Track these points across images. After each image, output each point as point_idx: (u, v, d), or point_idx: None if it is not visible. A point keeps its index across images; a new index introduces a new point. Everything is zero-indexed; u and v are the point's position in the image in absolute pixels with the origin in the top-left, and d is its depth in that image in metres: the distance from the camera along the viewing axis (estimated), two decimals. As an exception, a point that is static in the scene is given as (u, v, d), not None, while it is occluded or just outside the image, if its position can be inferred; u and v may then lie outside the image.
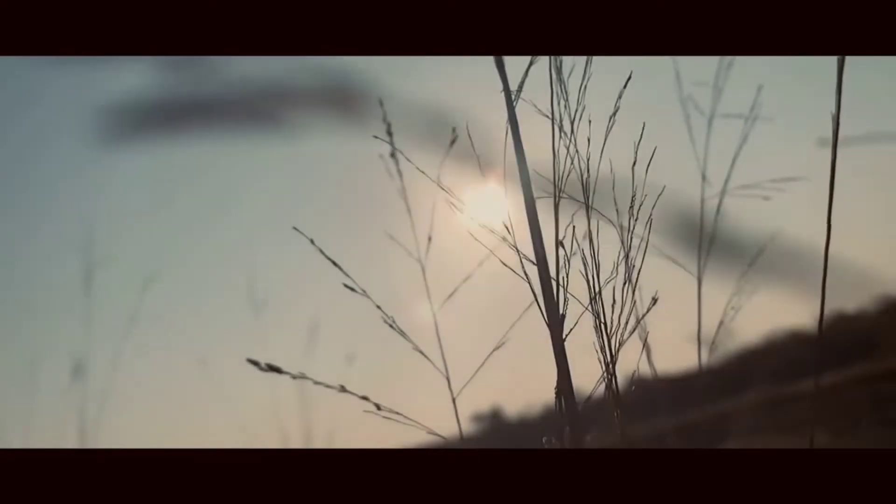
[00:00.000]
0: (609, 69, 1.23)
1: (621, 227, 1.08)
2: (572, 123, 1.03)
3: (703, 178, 1.34)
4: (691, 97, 1.44)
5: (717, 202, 1.30)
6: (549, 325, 0.91)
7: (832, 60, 1.00)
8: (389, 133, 1.20)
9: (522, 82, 1.01)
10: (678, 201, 1.39)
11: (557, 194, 0.95)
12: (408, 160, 1.08)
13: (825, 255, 0.85)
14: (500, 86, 1.02)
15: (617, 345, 0.90)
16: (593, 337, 0.96)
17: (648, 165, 0.92)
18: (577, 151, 0.98)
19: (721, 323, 1.22)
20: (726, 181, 1.30)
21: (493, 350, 1.08)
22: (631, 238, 0.93)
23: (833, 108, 0.93)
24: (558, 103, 1.03)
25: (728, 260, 1.30)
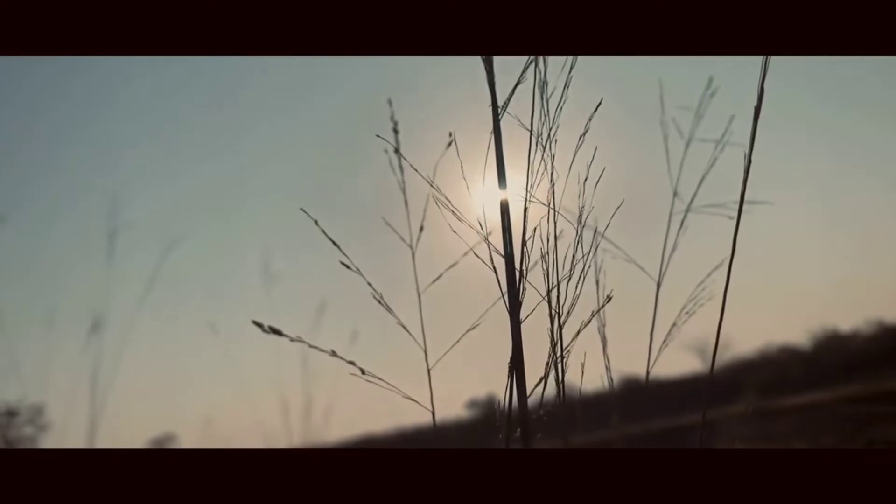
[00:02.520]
0: (597, 89, 1.39)
1: (594, 231, 1.24)
2: (549, 134, 1.18)
3: (675, 193, 1.49)
4: (674, 120, 1.59)
5: (682, 217, 1.44)
6: (508, 310, 1.06)
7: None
8: (395, 131, 1.35)
9: (508, 99, 1.16)
10: (647, 213, 1.54)
11: (528, 199, 1.10)
12: (404, 159, 1.24)
13: (726, 285, 0.99)
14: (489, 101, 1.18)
15: (560, 329, 1.06)
16: (548, 324, 1.12)
17: (597, 183, 1.07)
18: (551, 163, 1.14)
19: (674, 324, 1.36)
20: (692, 199, 1.45)
21: (468, 330, 1.23)
22: (578, 241, 1.09)
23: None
24: (540, 120, 1.18)
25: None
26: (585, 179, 1.08)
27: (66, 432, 4.05)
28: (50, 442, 5.41)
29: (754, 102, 1.50)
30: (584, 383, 1.28)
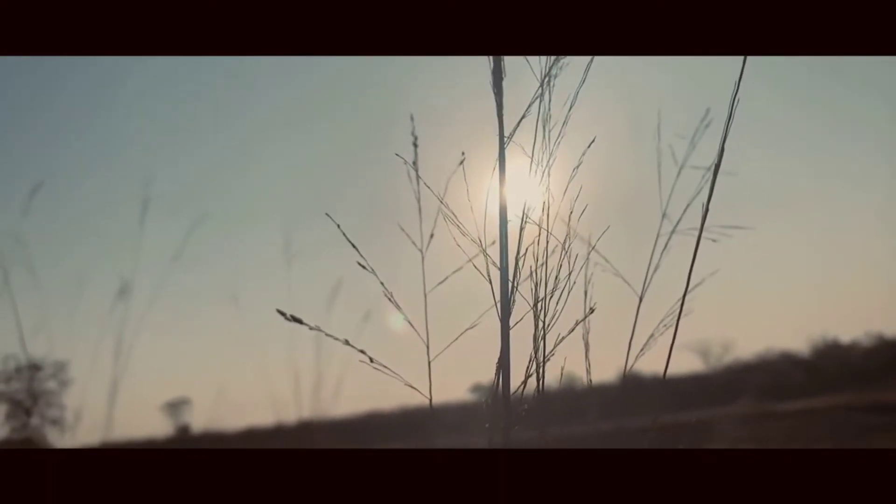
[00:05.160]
0: (605, 113, 1.54)
1: (588, 246, 1.41)
2: (548, 162, 1.34)
3: (664, 215, 1.63)
4: (671, 147, 1.73)
5: (667, 238, 1.59)
6: (499, 317, 1.23)
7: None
8: (415, 145, 1.51)
9: (514, 131, 1.32)
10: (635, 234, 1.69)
11: (524, 220, 1.27)
12: (420, 178, 1.39)
13: (679, 309, 1.15)
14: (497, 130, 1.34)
15: (544, 337, 1.22)
16: (539, 331, 1.28)
17: (582, 213, 1.23)
18: (547, 189, 1.30)
19: (651, 335, 1.52)
20: (678, 222, 1.59)
21: (466, 329, 1.40)
22: (562, 259, 1.25)
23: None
24: (541, 149, 1.34)
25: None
26: (570, 213, 1.24)
27: (87, 389, 4.27)
28: (71, 396, 5.66)
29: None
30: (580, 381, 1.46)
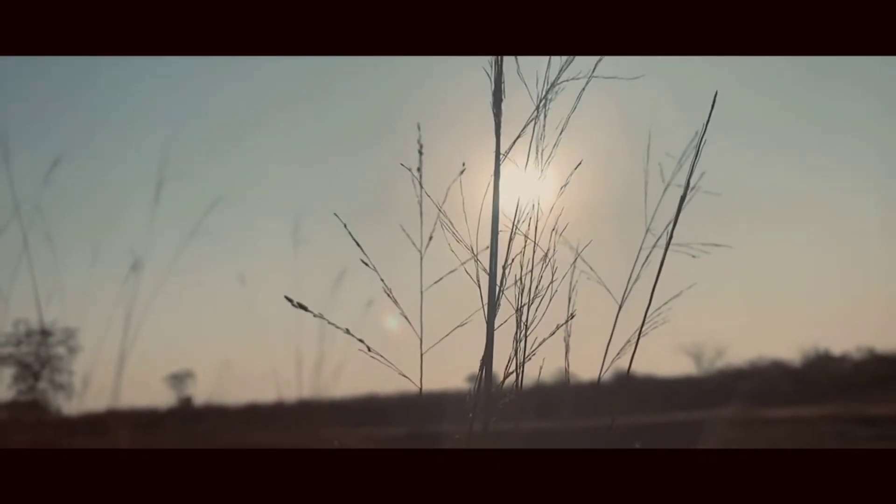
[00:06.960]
0: (600, 127, 1.66)
1: (567, 259, 1.54)
2: (540, 178, 1.47)
3: (647, 230, 1.76)
4: (659, 165, 1.85)
5: (649, 252, 1.72)
6: (486, 318, 1.36)
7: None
8: (420, 152, 1.63)
9: (510, 149, 1.45)
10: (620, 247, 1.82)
11: (513, 230, 1.40)
12: (421, 185, 1.52)
13: (642, 321, 1.27)
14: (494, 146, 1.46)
15: (525, 339, 1.36)
16: (520, 333, 1.42)
17: (566, 231, 1.36)
18: (536, 204, 1.43)
19: (628, 341, 1.64)
20: (659, 237, 1.72)
21: (458, 326, 1.53)
22: (543, 269, 1.38)
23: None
24: (536, 167, 1.47)
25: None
26: (553, 230, 1.37)
27: (96, 357, 4.43)
28: (79, 363, 5.82)
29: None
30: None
